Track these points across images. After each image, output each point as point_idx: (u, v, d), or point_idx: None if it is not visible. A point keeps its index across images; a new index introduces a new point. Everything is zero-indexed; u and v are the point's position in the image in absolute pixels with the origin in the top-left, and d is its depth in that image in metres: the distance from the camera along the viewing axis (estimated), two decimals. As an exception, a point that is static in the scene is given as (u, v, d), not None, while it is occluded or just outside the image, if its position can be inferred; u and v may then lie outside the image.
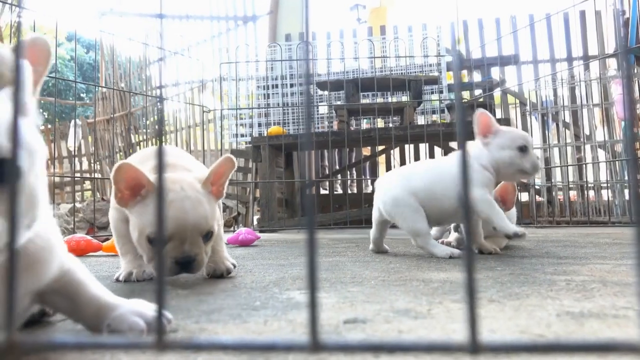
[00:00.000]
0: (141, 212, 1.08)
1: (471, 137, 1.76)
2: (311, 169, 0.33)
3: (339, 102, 4.74)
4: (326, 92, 4.84)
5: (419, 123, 4.56)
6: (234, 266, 1.30)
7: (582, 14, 5.48)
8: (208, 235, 1.12)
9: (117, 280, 1.22)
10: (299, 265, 1.51)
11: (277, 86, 5.00)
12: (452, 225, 2.01)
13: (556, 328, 0.67)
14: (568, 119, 4.68)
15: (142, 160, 1.22)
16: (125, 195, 1.09)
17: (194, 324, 0.74)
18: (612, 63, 5.35)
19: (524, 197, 4.65)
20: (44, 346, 0.32)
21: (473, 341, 0.27)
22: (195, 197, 1.08)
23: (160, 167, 0.32)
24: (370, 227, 1.87)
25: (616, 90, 4.44)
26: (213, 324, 0.74)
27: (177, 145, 6.42)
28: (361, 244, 2.30)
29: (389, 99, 4.77)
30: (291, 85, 5.00)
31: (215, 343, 0.29)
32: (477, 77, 5.25)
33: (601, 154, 4.50)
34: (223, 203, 4.90)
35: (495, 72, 5.28)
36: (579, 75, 4.52)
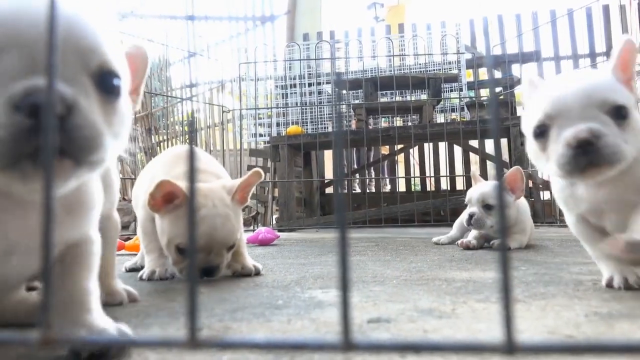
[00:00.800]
0: (173, 222, 1.14)
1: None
2: (342, 167, 0.33)
3: (357, 101, 4.73)
4: (344, 91, 4.83)
5: (439, 121, 4.52)
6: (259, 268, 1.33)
7: (606, 8, 5.37)
8: (232, 246, 1.20)
9: (141, 279, 1.23)
10: (320, 264, 1.51)
11: (295, 86, 5.01)
12: None
13: (585, 329, 0.66)
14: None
15: (173, 163, 1.26)
16: (158, 202, 1.13)
17: (218, 323, 0.74)
18: (637, 58, 5.22)
19: (547, 195, 4.57)
20: (78, 343, 0.32)
21: (509, 341, 0.27)
22: (225, 213, 1.15)
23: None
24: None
25: (642, 86, 4.33)
26: (237, 322, 0.75)
27: (197, 145, 6.48)
28: (381, 243, 2.29)
29: (408, 98, 4.74)
30: (309, 85, 5.00)
31: (247, 342, 0.29)
32: (497, 74, 5.18)
33: None
34: (242, 202, 4.93)
35: (516, 69, 5.20)
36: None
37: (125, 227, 5.05)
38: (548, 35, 5.56)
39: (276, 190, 4.37)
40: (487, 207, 1.83)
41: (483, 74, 5.35)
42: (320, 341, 0.29)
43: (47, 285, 0.32)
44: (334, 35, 5.92)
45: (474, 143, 4.57)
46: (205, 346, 0.29)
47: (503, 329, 0.27)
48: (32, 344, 0.33)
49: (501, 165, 0.31)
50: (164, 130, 6.79)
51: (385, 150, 5.60)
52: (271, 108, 5.05)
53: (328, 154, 5.05)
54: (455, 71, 4.80)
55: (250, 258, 1.34)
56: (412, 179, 5.54)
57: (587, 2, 5.09)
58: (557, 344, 0.27)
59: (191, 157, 0.32)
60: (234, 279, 1.21)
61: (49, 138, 0.31)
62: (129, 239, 2.16)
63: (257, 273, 1.29)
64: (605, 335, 0.62)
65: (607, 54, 5.27)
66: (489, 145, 4.49)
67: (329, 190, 4.92)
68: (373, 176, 5.54)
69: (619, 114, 0.84)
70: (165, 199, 1.13)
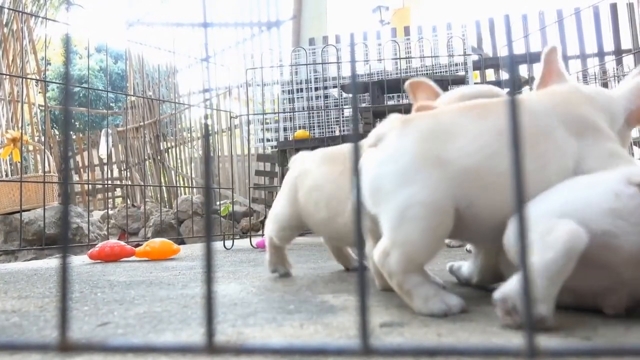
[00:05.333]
0: None
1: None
2: (358, 171, 0.33)
3: (364, 105, 4.73)
4: (351, 95, 4.83)
5: (446, 123, 4.50)
6: None
7: (614, 6, 5.33)
8: None
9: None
10: (330, 268, 1.51)
11: (301, 90, 5.02)
12: None
13: (603, 331, 0.65)
14: (601, 115, 4.54)
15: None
16: None
17: (231, 328, 0.74)
18: None
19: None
20: (96, 348, 0.32)
21: (531, 346, 0.26)
22: None
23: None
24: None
25: (651, 85, 4.29)
26: (250, 327, 0.75)
27: (204, 151, 6.49)
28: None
29: (415, 100, 4.73)
30: (316, 89, 5.01)
31: (265, 347, 0.29)
32: (504, 75, 5.16)
33: (637, 151, 4.36)
34: (250, 207, 4.94)
35: (523, 70, 5.18)
36: (612, 71, 4.39)
37: (134, 233, 5.08)
38: (555, 35, 5.53)
39: (284, 194, 4.37)
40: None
41: (490, 75, 5.33)
42: (340, 346, 0.29)
43: (63, 290, 0.33)
44: (340, 39, 5.93)
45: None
46: (222, 352, 0.29)
47: (525, 333, 0.27)
48: (50, 349, 0.33)
49: (519, 167, 0.30)
50: (172, 137, 6.83)
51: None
52: (278, 113, 5.06)
53: (336, 158, 5.04)
54: (462, 73, 4.78)
55: None
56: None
57: (594, 0, 5.06)
58: (576, 348, 0.27)
59: (206, 162, 0.32)
60: (243, 284, 1.21)
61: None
62: (139, 245, 2.17)
63: None
64: (622, 338, 0.61)
65: (616, 53, 5.23)
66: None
67: (337, 194, 4.90)
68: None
69: None
70: None
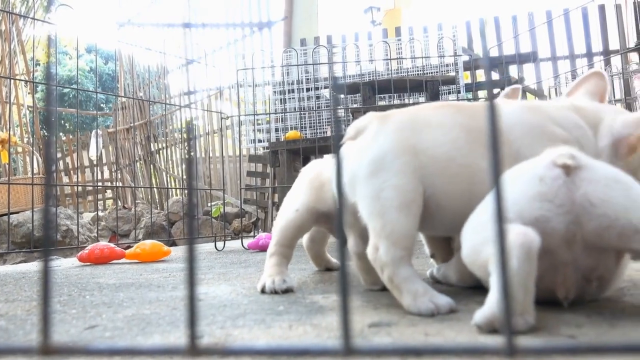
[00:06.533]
0: None
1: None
2: (340, 175, 0.33)
3: (355, 105, 4.74)
4: (342, 96, 4.83)
5: (437, 124, 4.51)
6: None
7: (602, 8, 5.39)
8: None
9: None
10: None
11: (293, 91, 5.02)
12: None
13: (587, 329, 0.66)
14: (590, 115, 4.58)
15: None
16: None
17: (220, 330, 0.74)
18: (633, 57, 5.24)
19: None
20: (78, 351, 0.32)
21: (510, 344, 0.26)
22: None
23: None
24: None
25: (638, 85, 4.35)
26: (239, 329, 0.74)
27: (195, 152, 6.48)
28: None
29: (406, 100, 4.75)
30: (307, 90, 5.02)
31: (248, 348, 0.29)
32: (494, 75, 5.20)
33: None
34: (242, 208, 4.93)
35: (513, 70, 5.21)
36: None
37: (125, 235, 5.05)
38: (545, 35, 5.57)
39: (276, 195, 4.37)
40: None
41: (480, 75, 5.36)
42: (322, 346, 0.29)
43: (45, 293, 0.32)
44: (331, 40, 5.94)
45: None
46: (206, 354, 0.29)
47: (504, 332, 0.27)
48: (32, 353, 0.33)
49: (499, 167, 0.31)
50: (163, 138, 6.80)
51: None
52: (269, 114, 5.06)
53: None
54: (452, 73, 4.81)
55: None
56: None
57: (583, 2, 5.11)
58: (557, 346, 0.27)
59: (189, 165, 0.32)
60: (233, 286, 1.21)
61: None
62: (130, 247, 2.15)
63: None
64: (606, 335, 0.62)
65: (604, 53, 5.29)
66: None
67: (329, 194, 4.91)
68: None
69: None
70: None
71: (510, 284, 0.62)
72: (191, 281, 0.30)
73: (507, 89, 1.17)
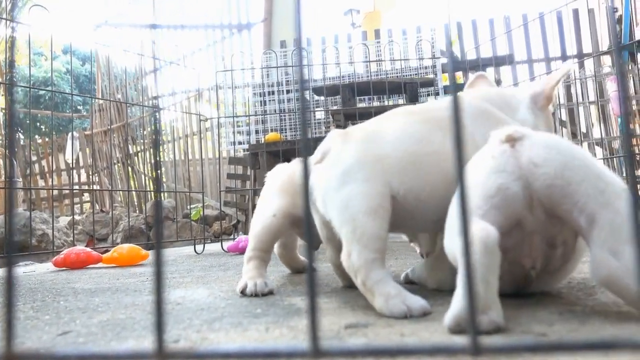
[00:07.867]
0: None
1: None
2: (307, 175, 0.33)
3: (335, 107, 4.75)
4: (322, 97, 4.85)
5: (416, 125, 4.55)
6: None
7: (576, 12, 5.51)
8: None
9: None
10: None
11: (273, 93, 5.01)
12: None
13: (558, 327, 0.67)
14: (565, 117, 4.69)
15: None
16: None
17: (196, 334, 0.74)
18: (606, 60, 5.38)
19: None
20: (44, 358, 0.32)
21: (474, 343, 0.27)
22: None
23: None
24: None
25: (611, 87, 4.46)
26: (215, 332, 0.74)
27: (174, 155, 6.42)
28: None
29: (386, 102, 4.78)
30: (287, 92, 5.01)
31: (217, 352, 0.29)
32: (472, 78, 5.26)
33: (598, 151, 4.51)
34: (222, 211, 4.90)
35: (490, 73, 5.29)
36: (574, 73, 4.54)
37: (103, 239, 4.96)
38: (521, 38, 5.68)
39: (256, 198, 4.36)
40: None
41: (459, 77, 5.43)
42: (291, 348, 0.29)
43: (10, 299, 0.32)
44: (311, 42, 5.94)
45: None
46: (173, 358, 0.29)
47: (469, 331, 0.27)
48: (-4, 362, 0.32)
49: (462, 170, 0.31)
50: (141, 141, 6.71)
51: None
52: (249, 116, 5.04)
53: (308, 160, 5.05)
54: (431, 75, 4.86)
55: None
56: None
57: (557, 6, 5.22)
58: (521, 344, 0.27)
59: (157, 165, 0.31)
60: (213, 289, 1.20)
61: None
62: (107, 251, 2.12)
63: None
64: (576, 333, 0.63)
65: (578, 56, 5.41)
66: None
67: (310, 196, 4.91)
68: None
69: None
70: None
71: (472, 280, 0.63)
72: (158, 286, 0.30)
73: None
